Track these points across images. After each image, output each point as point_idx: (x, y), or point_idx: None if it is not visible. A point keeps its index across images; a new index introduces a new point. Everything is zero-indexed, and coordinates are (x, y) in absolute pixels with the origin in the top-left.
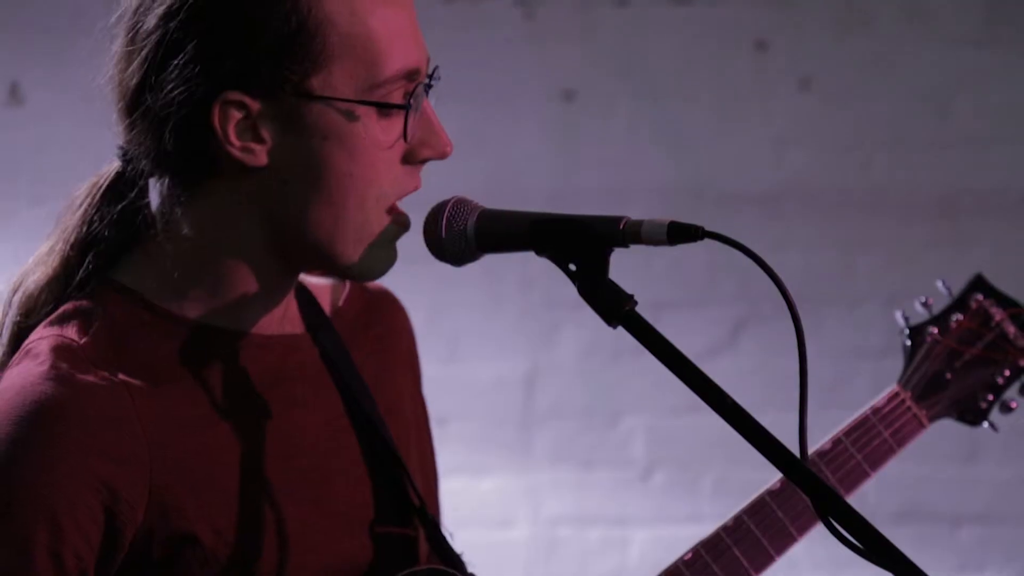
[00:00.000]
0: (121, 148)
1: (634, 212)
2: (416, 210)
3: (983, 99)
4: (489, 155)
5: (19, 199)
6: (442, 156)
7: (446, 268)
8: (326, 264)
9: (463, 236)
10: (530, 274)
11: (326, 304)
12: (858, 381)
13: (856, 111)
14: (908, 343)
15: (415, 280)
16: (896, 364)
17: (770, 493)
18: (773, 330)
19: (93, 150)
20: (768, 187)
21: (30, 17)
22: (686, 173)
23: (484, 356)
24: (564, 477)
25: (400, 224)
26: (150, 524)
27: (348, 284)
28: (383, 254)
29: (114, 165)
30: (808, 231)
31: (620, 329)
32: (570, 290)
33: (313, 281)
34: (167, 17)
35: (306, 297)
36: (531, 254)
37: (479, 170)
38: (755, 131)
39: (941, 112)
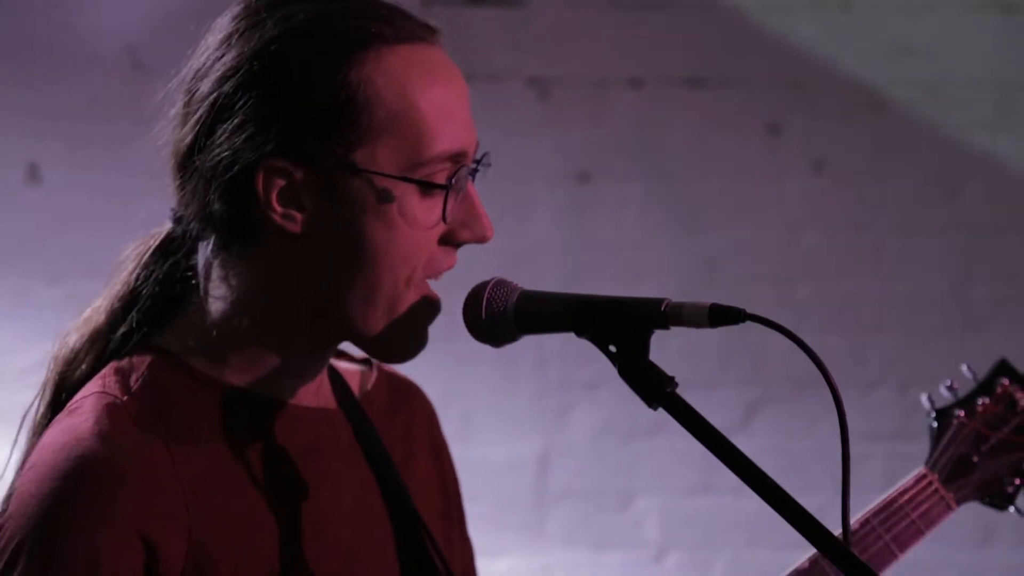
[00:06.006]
0: (173, 209)
1: (646, 293)
2: (436, 289)
3: (995, 184)
4: (503, 236)
5: (36, 277)
6: (482, 240)
7: (460, 347)
8: (357, 338)
9: (503, 317)
10: (544, 354)
11: (355, 388)
12: (871, 465)
13: (868, 194)
14: (935, 425)
15: (429, 359)
16: (908, 448)
17: (798, 572)
18: (785, 412)
19: (109, 230)
20: (781, 269)
21: (48, 99)
22: (699, 254)
23: (497, 436)
24: (577, 558)
25: (433, 307)
26: None
27: (375, 371)
28: (415, 335)
29: (166, 226)
30: (820, 314)
31: (634, 409)
32: (584, 370)
33: (343, 366)
34: (221, 81)
35: (337, 379)
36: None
37: (492, 251)
38: (768, 213)
39: (953, 196)
